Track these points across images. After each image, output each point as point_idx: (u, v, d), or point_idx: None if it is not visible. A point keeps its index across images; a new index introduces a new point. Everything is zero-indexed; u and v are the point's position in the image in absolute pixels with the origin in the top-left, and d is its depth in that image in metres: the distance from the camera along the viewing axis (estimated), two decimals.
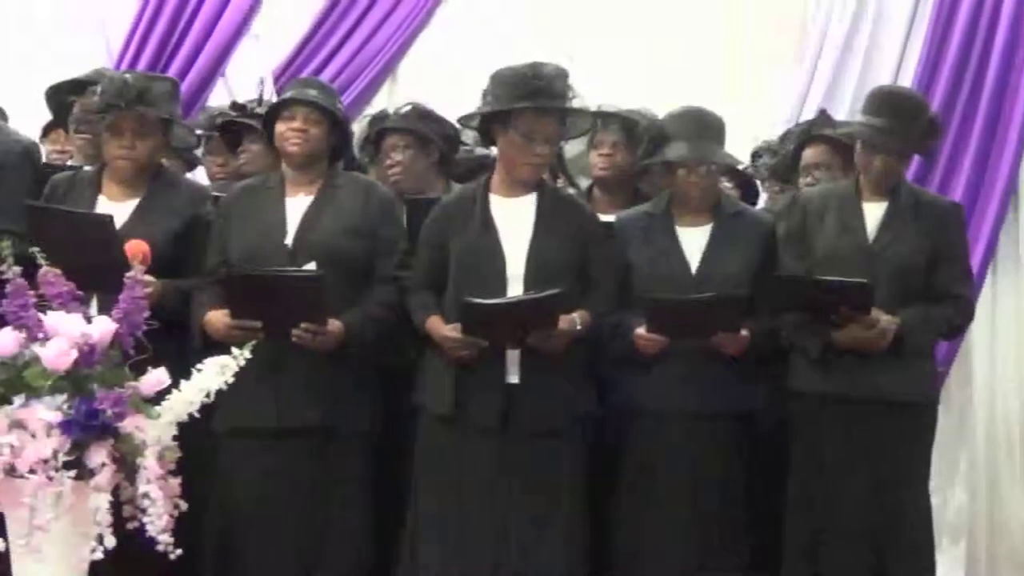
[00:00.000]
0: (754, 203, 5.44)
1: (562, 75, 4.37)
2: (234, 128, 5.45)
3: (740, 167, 5.14)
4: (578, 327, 4.32)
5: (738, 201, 4.87)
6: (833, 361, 4.41)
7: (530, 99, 4.32)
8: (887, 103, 4.54)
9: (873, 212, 4.52)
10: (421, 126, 5.16)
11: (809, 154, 5.14)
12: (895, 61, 6.46)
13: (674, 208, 4.57)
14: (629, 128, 5.09)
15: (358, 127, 5.52)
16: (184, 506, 3.66)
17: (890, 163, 4.48)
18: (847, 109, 6.23)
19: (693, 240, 4.52)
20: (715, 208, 4.57)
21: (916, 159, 4.88)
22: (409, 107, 5.25)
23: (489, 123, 4.43)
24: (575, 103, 4.40)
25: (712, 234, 4.53)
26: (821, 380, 4.44)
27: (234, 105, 5.58)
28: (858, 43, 6.53)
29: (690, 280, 4.45)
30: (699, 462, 4.43)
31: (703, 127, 4.53)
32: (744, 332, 4.37)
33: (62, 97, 5.65)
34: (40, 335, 3.66)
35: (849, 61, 6.53)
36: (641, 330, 4.37)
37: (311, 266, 4.32)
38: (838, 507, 4.41)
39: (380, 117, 5.40)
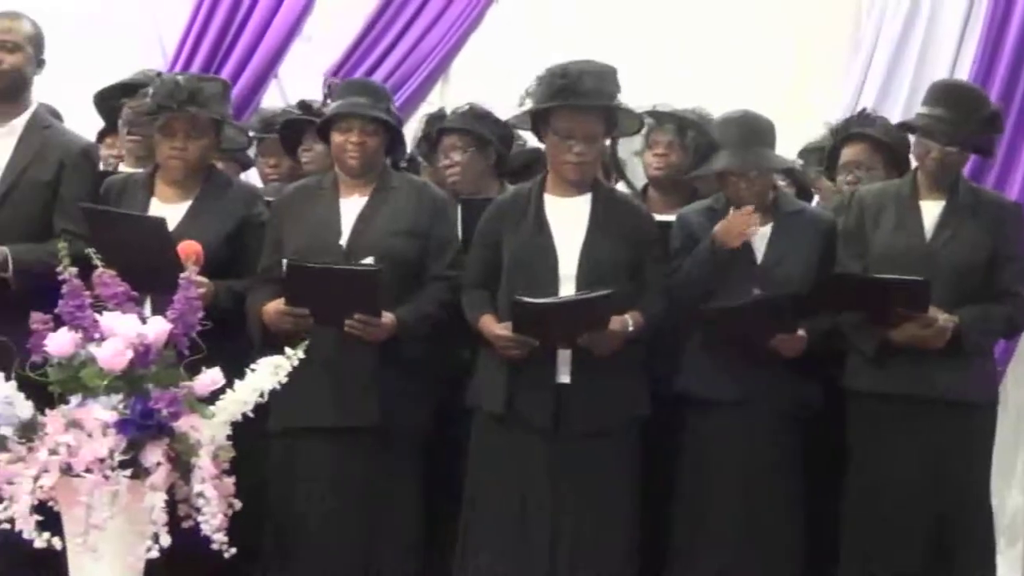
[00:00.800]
0: (810, 201, 5.40)
1: (596, 73, 4.35)
2: (297, 127, 5.46)
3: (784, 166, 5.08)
4: (630, 328, 4.31)
5: (796, 199, 4.84)
6: (891, 360, 4.37)
7: (558, 98, 4.31)
8: (947, 94, 4.51)
9: (931, 210, 4.48)
10: (479, 127, 5.16)
11: (847, 153, 5.09)
12: (950, 58, 6.41)
13: (734, 206, 4.56)
14: (684, 128, 5.08)
15: (412, 125, 5.52)
16: (238, 505, 3.68)
17: (947, 154, 4.43)
18: (901, 108, 6.19)
19: (754, 238, 4.48)
20: (774, 207, 4.54)
21: (973, 157, 4.82)
22: (467, 107, 5.25)
23: (536, 124, 4.43)
24: (621, 101, 4.39)
25: (772, 233, 4.51)
26: (880, 379, 4.39)
27: (301, 104, 5.59)
28: (913, 41, 6.49)
29: (752, 280, 4.43)
30: (756, 461, 4.41)
31: (750, 133, 4.50)
32: (801, 332, 4.35)
33: (111, 102, 5.69)
34: (96, 336, 3.69)
35: (903, 59, 6.48)
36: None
37: (369, 260, 4.32)
38: (897, 507, 4.37)
39: (438, 116, 5.39)
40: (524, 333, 4.24)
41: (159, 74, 5.23)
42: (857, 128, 5.15)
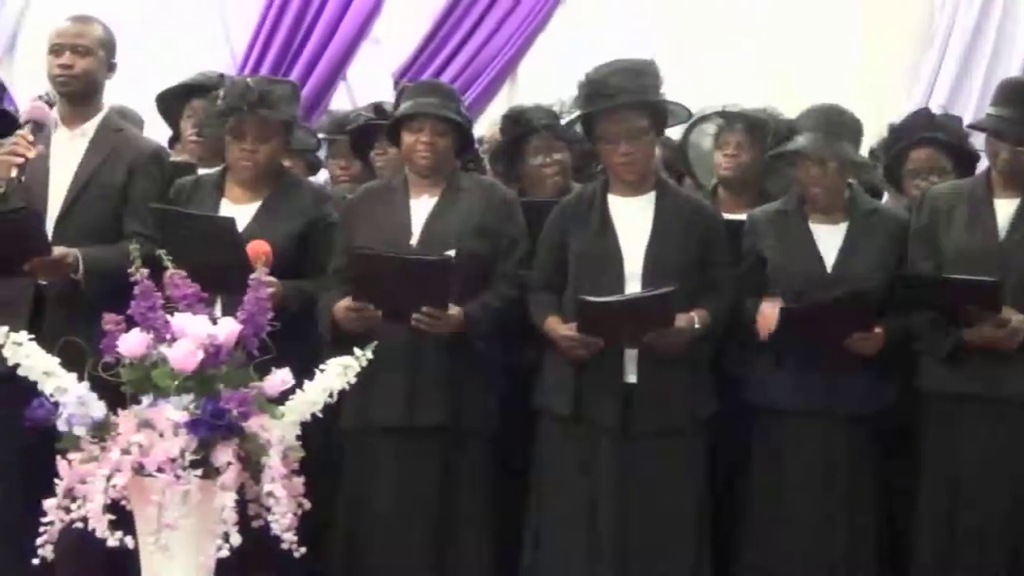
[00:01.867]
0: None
1: (625, 70, 4.35)
2: (369, 131, 5.46)
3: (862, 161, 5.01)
4: (696, 326, 4.29)
5: (871, 198, 4.78)
6: (966, 361, 4.32)
7: (590, 104, 4.34)
8: (1015, 93, 4.44)
9: (1005, 209, 4.41)
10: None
11: (915, 158, 4.99)
12: None
13: (807, 205, 4.52)
14: (754, 127, 5.04)
15: (481, 126, 5.51)
16: (307, 504, 3.69)
17: (1017, 154, 4.37)
18: (974, 105, 6.12)
19: (828, 238, 4.46)
20: (850, 205, 4.50)
21: None
22: (557, 106, 5.22)
23: (587, 132, 4.44)
24: (663, 92, 4.39)
25: (848, 232, 4.47)
26: (955, 380, 4.34)
27: (375, 108, 5.59)
28: (986, 35, 6.41)
29: (826, 280, 4.40)
30: (829, 464, 4.38)
31: (833, 123, 4.46)
32: (878, 330, 4.30)
33: (172, 103, 5.73)
34: (167, 336, 3.70)
35: (976, 54, 6.41)
36: (765, 307, 4.30)
37: (450, 252, 4.32)
38: (974, 509, 4.31)
39: (521, 116, 5.33)
40: (589, 333, 4.23)
41: (221, 76, 5.26)
42: (924, 133, 5.06)
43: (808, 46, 6.88)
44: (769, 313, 4.32)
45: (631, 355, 4.30)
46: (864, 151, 4.86)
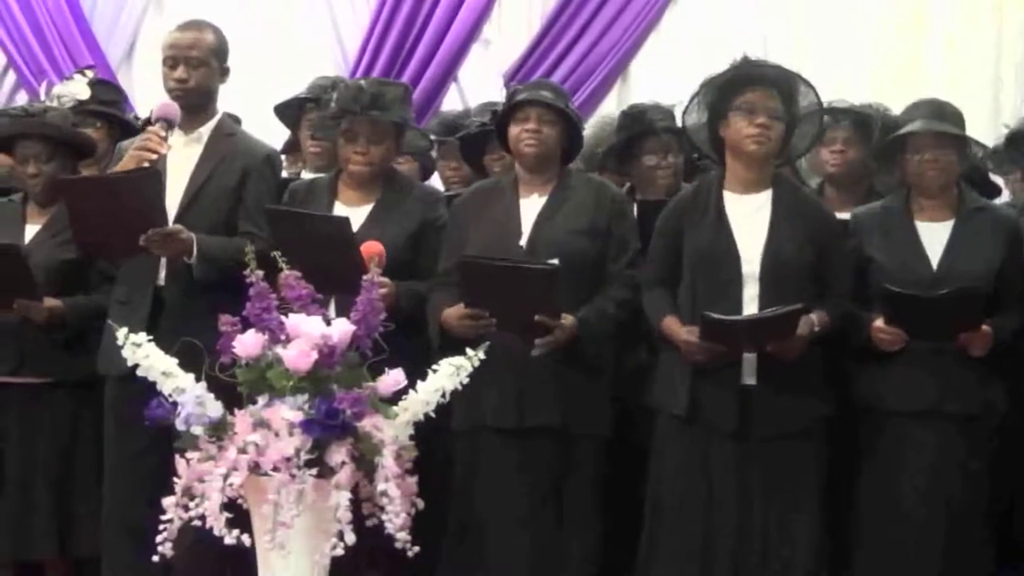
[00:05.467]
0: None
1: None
2: (481, 137, 5.48)
3: (974, 150, 4.90)
4: (816, 329, 4.24)
5: (980, 196, 4.70)
6: None
7: (741, 71, 4.32)
8: None
9: None
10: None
11: None
12: None
13: (913, 203, 4.45)
14: (861, 123, 4.98)
15: (590, 127, 5.49)
16: (421, 504, 3.71)
17: None
18: None
19: (934, 236, 4.38)
20: (957, 203, 4.43)
21: None
22: (674, 106, 5.19)
23: (714, 123, 4.38)
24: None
25: (954, 230, 4.39)
26: None
27: (491, 111, 5.60)
28: None
29: (931, 277, 4.32)
30: (942, 465, 4.30)
31: (942, 112, 4.40)
32: (986, 328, 4.23)
33: (290, 114, 5.79)
34: (282, 337, 3.75)
35: None
36: (879, 323, 4.26)
37: (554, 261, 4.32)
38: None
39: (641, 115, 5.29)
40: (712, 341, 4.20)
41: (334, 83, 5.30)
42: None
43: (927, 40, 6.78)
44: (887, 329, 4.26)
45: (749, 357, 4.26)
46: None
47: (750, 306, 4.24)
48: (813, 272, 4.31)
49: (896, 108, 4.86)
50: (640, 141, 5.12)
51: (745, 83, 4.30)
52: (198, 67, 4.62)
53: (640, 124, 5.16)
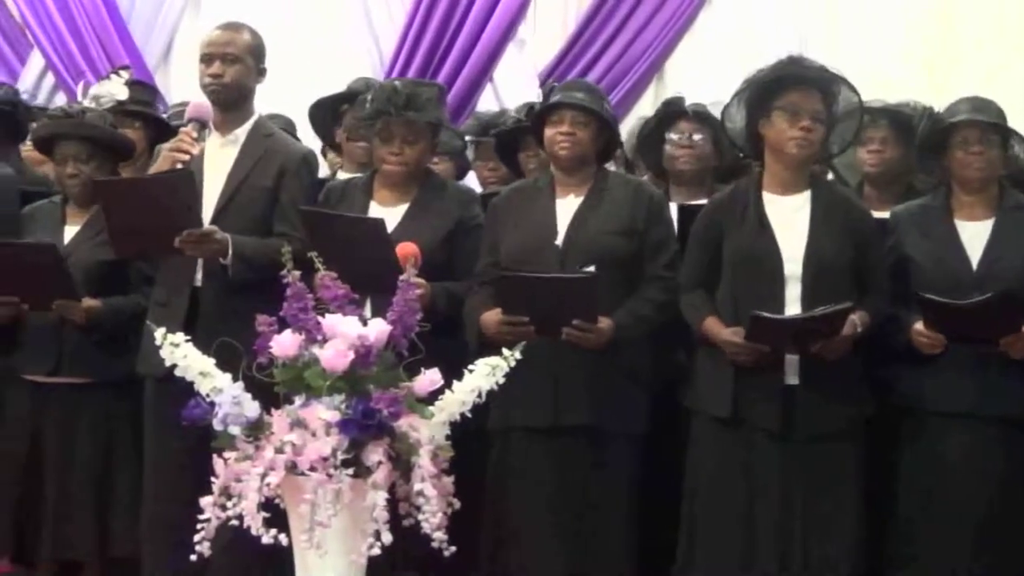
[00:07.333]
0: None
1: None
2: (516, 133, 5.49)
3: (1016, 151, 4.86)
4: (859, 329, 4.23)
5: (1021, 195, 4.67)
6: None
7: (786, 71, 4.29)
8: None
9: None
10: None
11: None
12: None
13: (953, 201, 4.42)
14: (899, 122, 4.96)
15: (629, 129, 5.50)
16: (457, 504, 3.72)
17: None
18: None
19: (974, 234, 4.35)
20: (997, 201, 4.40)
21: None
22: (710, 105, 5.18)
23: (754, 120, 4.36)
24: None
25: (995, 228, 4.35)
26: None
27: (528, 109, 5.61)
28: None
29: (971, 277, 4.28)
30: (981, 467, 4.28)
31: (987, 108, 4.38)
32: None
33: (326, 113, 5.81)
34: (319, 337, 3.75)
35: None
36: (919, 326, 4.24)
37: (591, 268, 4.32)
38: None
39: (674, 100, 5.29)
40: (756, 342, 4.19)
41: (368, 84, 5.30)
42: None
43: (961, 34, 6.74)
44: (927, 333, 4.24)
45: (791, 357, 4.25)
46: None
47: (792, 307, 4.23)
48: (853, 272, 4.30)
49: (933, 100, 4.86)
50: (668, 127, 5.13)
51: (789, 83, 4.29)
52: (233, 63, 4.63)
53: (671, 107, 5.21)
